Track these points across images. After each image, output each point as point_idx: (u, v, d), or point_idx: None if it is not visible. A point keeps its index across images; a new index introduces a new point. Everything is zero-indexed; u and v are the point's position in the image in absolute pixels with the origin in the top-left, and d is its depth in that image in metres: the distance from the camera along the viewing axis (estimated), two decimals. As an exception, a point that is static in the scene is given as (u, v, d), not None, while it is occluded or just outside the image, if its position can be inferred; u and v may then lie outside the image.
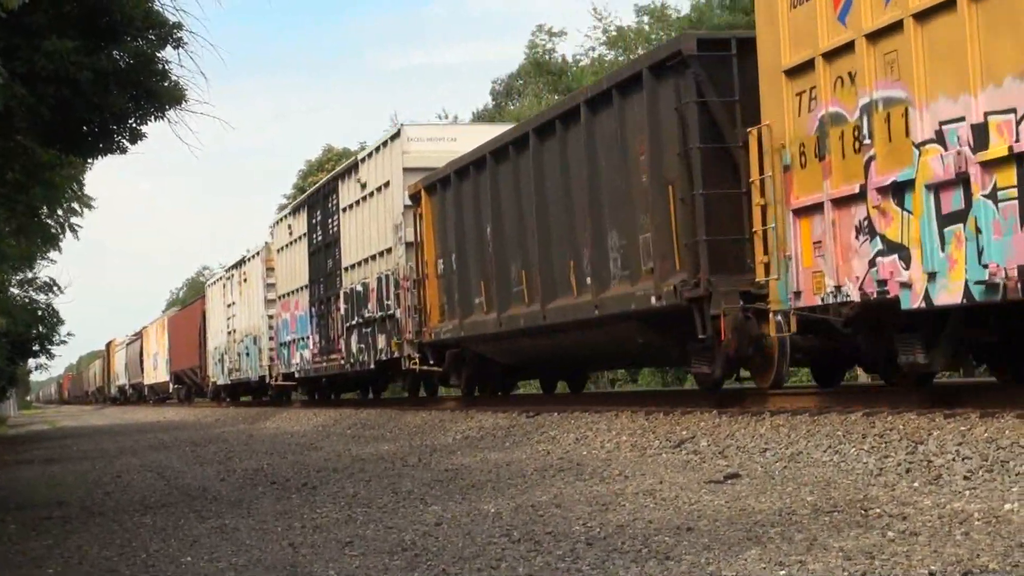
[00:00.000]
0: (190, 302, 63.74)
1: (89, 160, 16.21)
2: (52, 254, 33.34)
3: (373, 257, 24.16)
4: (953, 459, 8.39)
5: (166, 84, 11.60)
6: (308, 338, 30.27)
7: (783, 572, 5.57)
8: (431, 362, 21.49)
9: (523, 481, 10.26)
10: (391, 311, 22.70)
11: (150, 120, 11.82)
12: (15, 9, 9.25)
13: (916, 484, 8.05)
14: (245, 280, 39.01)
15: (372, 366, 24.40)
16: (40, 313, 33.30)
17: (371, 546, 7.35)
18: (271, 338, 35.29)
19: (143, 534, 8.86)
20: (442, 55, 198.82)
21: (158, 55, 11.50)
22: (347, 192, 26.58)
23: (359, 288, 25.17)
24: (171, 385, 59.07)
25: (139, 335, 70.99)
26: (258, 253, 36.99)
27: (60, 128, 11.39)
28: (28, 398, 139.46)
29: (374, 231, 24.13)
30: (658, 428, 12.84)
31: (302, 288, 31.23)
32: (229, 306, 41.79)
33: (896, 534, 6.28)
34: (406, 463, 13.19)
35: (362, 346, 24.95)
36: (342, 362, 26.70)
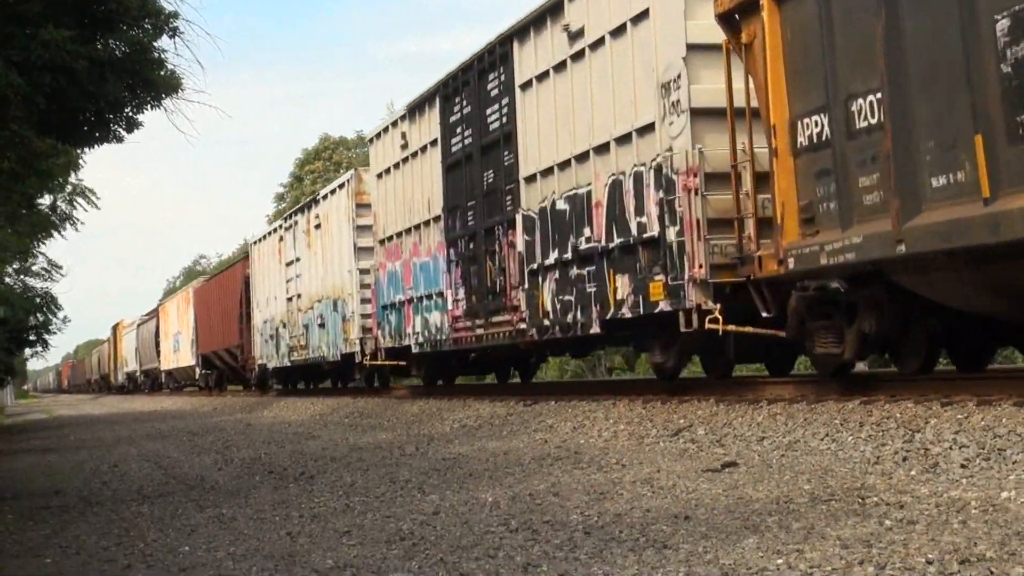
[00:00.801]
0: (226, 266, 51.80)
1: (85, 149, 16.22)
2: (54, 242, 33.28)
3: (599, 149, 15.06)
4: (950, 447, 8.40)
5: (162, 73, 11.61)
6: (442, 294, 20.67)
7: (780, 561, 5.57)
8: (765, 315, 12.35)
9: (521, 470, 10.27)
10: (649, 233, 13.82)
11: (146, 109, 11.84)
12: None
13: (913, 472, 8.06)
14: (318, 226, 29.07)
15: (596, 329, 15.18)
16: (39, 301, 33.26)
17: (369, 535, 7.36)
18: (366, 300, 25.66)
19: (141, 524, 8.86)
20: (436, 43, 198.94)
21: (154, 44, 11.51)
22: (534, 55, 16.87)
23: (561, 205, 16.06)
24: (198, 370, 48.65)
25: (154, 313, 61.37)
26: (342, 185, 27.28)
27: (56, 117, 11.39)
28: (25, 387, 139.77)
29: (605, 104, 14.92)
30: (656, 417, 12.85)
31: (427, 223, 21.48)
32: (289, 264, 31.93)
33: (893, 522, 6.28)
34: (404, 452, 13.20)
35: (569, 298, 15.88)
36: (522, 326, 17.36)
